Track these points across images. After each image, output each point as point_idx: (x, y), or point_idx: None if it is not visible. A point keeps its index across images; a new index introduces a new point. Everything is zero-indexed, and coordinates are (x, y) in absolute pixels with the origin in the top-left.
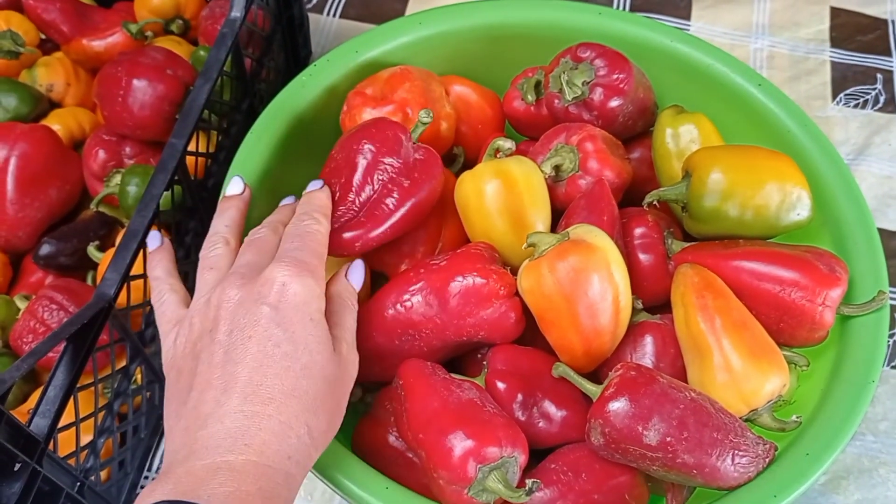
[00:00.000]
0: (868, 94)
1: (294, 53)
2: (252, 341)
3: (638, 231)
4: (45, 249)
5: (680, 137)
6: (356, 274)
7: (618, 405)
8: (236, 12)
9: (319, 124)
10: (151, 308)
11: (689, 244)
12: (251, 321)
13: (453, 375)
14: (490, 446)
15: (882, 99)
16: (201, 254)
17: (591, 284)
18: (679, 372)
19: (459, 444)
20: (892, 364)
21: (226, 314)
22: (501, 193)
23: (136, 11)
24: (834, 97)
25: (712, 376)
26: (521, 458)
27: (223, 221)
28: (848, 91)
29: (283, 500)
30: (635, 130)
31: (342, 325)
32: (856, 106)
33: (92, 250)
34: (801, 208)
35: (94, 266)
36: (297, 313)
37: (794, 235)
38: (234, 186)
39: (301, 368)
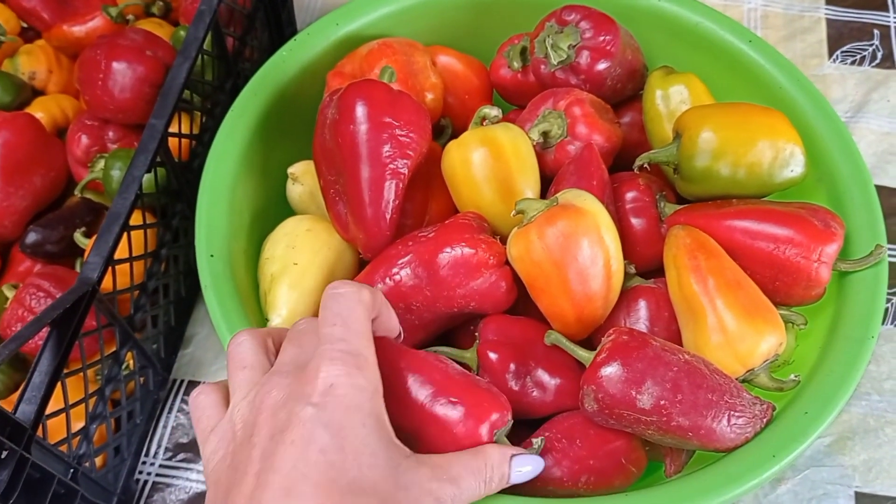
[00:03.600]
0: (865, 50)
1: (279, 31)
2: (294, 447)
3: (629, 195)
4: (32, 238)
5: (670, 99)
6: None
7: (610, 370)
8: None
9: (302, 100)
10: (141, 291)
11: (681, 206)
12: (294, 423)
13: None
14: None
15: (879, 55)
16: (228, 350)
17: (580, 249)
18: (674, 335)
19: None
20: None
21: (266, 417)
22: (488, 161)
23: None
24: (830, 55)
25: (706, 337)
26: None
27: None
28: (844, 48)
29: None
30: (625, 94)
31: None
32: (853, 63)
33: (78, 237)
34: (794, 165)
35: (82, 253)
36: (348, 417)
37: (790, 193)
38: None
39: (348, 483)
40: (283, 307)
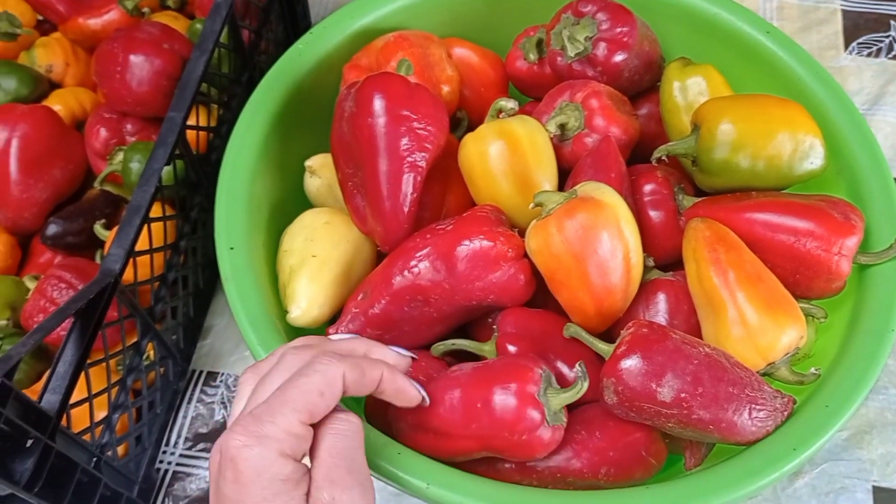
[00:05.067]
0: (882, 41)
1: (293, 24)
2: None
3: (647, 188)
4: (52, 229)
5: (688, 90)
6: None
7: (630, 363)
8: None
9: (318, 93)
10: (161, 283)
11: (699, 199)
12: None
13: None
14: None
15: None
16: (239, 382)
17: (600, 242)
18: (693, 328)
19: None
20: None
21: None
22: (505, 154)
23: None
24: (846, 46)
25: (727, 331)
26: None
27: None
28: (860, 40)
29: None
30: (642, 86)
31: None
32: (869, 55)
33: (98, 228)
34: (814, 157)
35: (102, 244)
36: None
37: (809, 185)
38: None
39: None
40: (302, 299)
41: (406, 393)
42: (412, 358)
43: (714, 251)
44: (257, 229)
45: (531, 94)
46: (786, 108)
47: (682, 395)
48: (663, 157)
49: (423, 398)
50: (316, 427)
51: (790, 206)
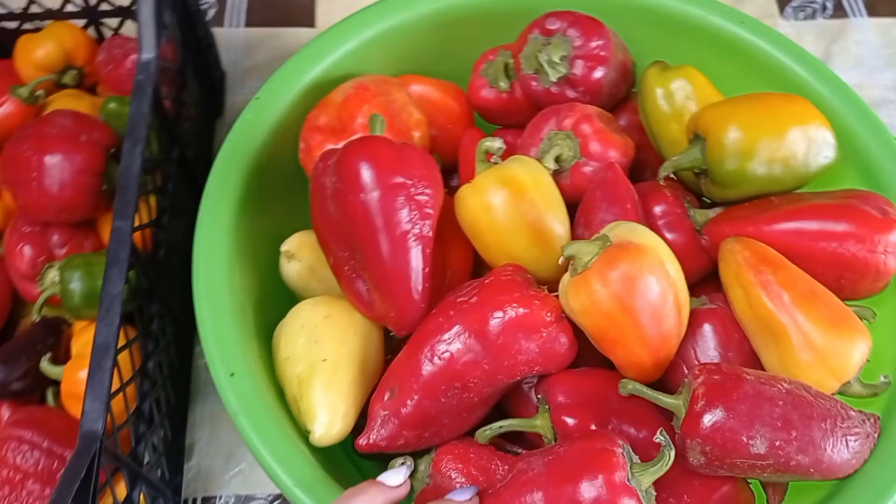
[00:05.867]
0: (815, 2)
1: (207, 77)
2: None
3: (658, 209)
4: None
5: (673, 96)
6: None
7: (714, 418)
8: (148, 53)
9: (277, 163)
10: (137, 418)
11: (712, 212)
12: None
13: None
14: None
15: (830, 5)
16: None
17: (650, 290)
18: (747, 358)
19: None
20: None
21: None
22: (512, 204)
23: (19, 71)
24: (781, 12)
25: (794, 358)
26: None
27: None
28: (794, 4)
29: None
30: (619, 97)
31: None
32: (805, 18)
33: (47, 366)
34: (827, 149)
35: (51, 382)
36: None
37: (821, 179)
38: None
39: None
40: (322, 414)
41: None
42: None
43: (760, 273)
44: (248, 338)
45: (500, 122)
46: (791, 103)
47: (777, 443)
48: (669, 174)
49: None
50: None
51: (822, 209)
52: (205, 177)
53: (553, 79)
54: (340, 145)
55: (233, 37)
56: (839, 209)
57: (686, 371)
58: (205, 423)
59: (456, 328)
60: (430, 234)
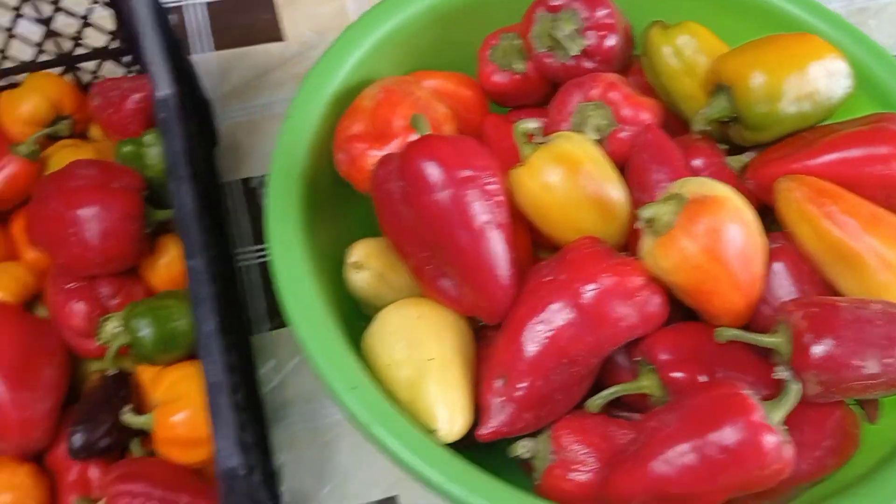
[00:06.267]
0: None
1: (199, 107)
2: None
3: (698, 162)
4: (79, 440)
5: (682, 52)
6: None
7: (824, 348)
8: (164, 90)
9: (321, 178)
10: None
11: (746, 156)
12: None
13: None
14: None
15: None
16: None
17: (735, 237)
18: (822, 290)
19: None
20: None
21: None
22: (571, 179)
23: (7, 129)
24: None
25: (875, 280)
26: None
27: None
28: None
29: None
30: (625, 62)
31: None
32: None
33: (131, 418)
34: (845, 79)
35: (135, 433)
36: None
37: (840, 112)
38: None
39: None
40: (442, 411)
41: None
42: None
43: (823, 205)
44: (351, 352)
45: (514, 104)
46: (803, 41)
47: (886, 360)
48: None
49: None
50: None
51: (859, 136)
52: (216, 208)
53: (574, 52)
54: (385, 150)
55: (205, 62)
56: (875, 134)
57: (773, 310)
58: (285, 446)
59: (552, 307)
60: (506, 219)
